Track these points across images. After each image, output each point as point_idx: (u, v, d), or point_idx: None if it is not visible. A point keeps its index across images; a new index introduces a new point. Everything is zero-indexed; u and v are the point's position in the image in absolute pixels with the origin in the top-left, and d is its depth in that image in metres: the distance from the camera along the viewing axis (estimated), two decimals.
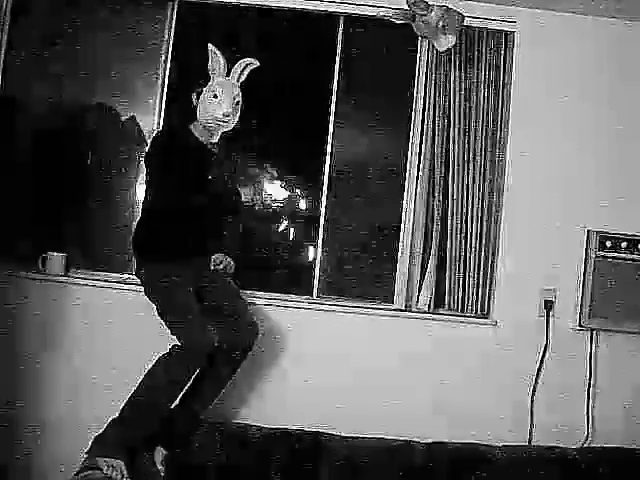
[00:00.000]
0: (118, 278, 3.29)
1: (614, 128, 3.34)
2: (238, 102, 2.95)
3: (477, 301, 3.29)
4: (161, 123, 3.36)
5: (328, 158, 3.41)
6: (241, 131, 3.05)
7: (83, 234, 3.42)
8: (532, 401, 3.26)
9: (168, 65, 3.38)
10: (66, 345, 3.20)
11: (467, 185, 3.29)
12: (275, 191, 3.53)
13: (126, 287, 3.22)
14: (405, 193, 3.38)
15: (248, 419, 3.16)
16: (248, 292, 3.24)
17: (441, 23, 3.03)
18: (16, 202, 3.32)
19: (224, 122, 2.91)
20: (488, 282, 3.30)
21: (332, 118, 3.41)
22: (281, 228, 3.58)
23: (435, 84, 3.29)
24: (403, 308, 3.32)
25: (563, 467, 2.94)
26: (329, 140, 3.41)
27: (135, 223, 3.06)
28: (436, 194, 3.30)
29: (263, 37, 3.47)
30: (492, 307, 3.32)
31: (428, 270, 3.28)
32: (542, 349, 3.27)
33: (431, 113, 3.30)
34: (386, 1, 3.23)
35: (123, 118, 3.46)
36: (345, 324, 3.30)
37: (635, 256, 3.25)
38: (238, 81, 2.97)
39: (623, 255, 3.25)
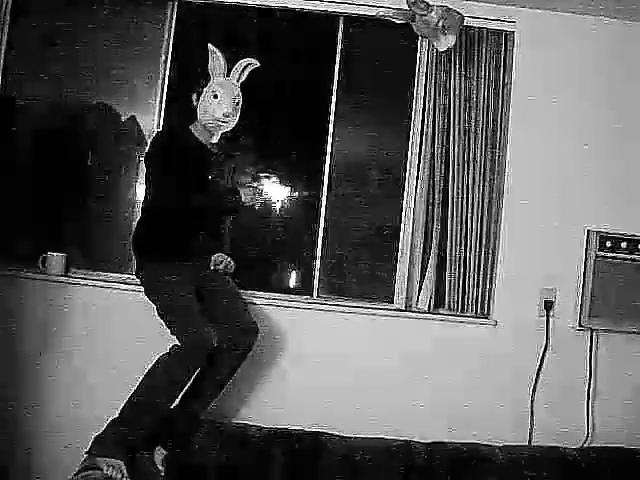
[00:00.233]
0: (118, 278, 3.29)
1: (614, 128, 3.34)
2: (238, 102, 2.96)
3: (477, 301, 3.29)
4: (161, 123, 3.36)
5: (328, 158, 3.41)
6: (241, 131, 3.05)
7: (83, 234, 3.42)
8: (532, 401, 3.26)
9: (168, 65, 3.38)
10: (66, 345, 3.20)
11: (467, 185, 3.29)
12: (275, 191, 3.53)
13: (126, 287, 3.22)
14: (405, 193, 3.38)
15: (248, 419, 3.16)
16: (248, 292, 3.24)
17: (441, 23, 3.03)
18: (16, 202, 3.32)
19: (224, 122, 2.91)
20: (488, 282, 3.30)
21: (332, 118, 3.41)
22: (280, 228, 3.57)
23: (435, 84, 3.29)
24: (403, 308, 3.32)
25: (563, 467, 2.94)
26: (329, 140, 3.41)
27: (135, 223, 3.06)
28: (436, 194, 3.30)
29: (263, 37, 3.48)
30: (492, 307, 3.32)
31: (428, 270, 3.29)
32: (542, 349, 3.27)
33: (431, 113, 3.30)
34: (386, 1, 3.23)
35: (123, 118, 3.47)
36: (345, 324, 3.30)
37: (635, 256, 3.25)
38: (238, 81, 2.97)
39: (623, 255, 3.25)
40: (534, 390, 3.27)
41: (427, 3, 3.01)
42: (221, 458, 2.83)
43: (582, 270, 3.27)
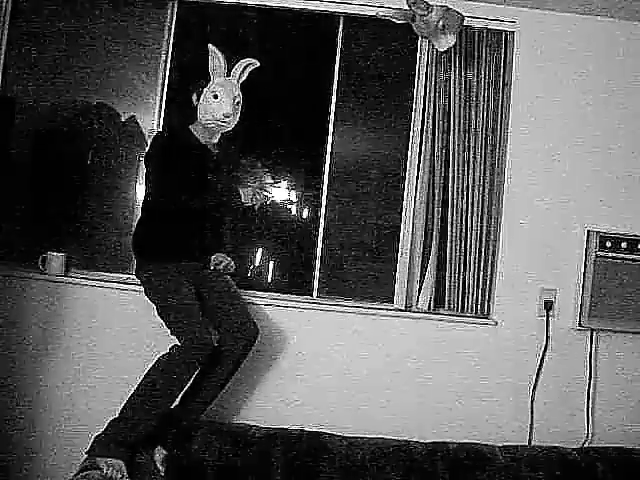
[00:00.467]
0: (118, 278, 3.29)
1: (614, 128, 3.34)
2: (238, 102, 2.96)
3: (477, 301, 3.29)
4: (161, 123, 3.36)
5: (328, 158, 3.42)
6: (241, 131, 3.05)
7: (83, 234, 3.42)
8: (532, 401, 3.26)
9: (168, 65, 3.38)
10: (66, 345, 3.20)
11: (467, 185, 3.29)
12: (275, 191, 3.52)
13: (126, 287, 3.22)
14: (405, 193, 3.37)
15: (248, 419, 3.16)
16: (248, 292, 3.24)
17: (441, 23, 3.03)
18: (16, 202, 3.32)
19: (224, 122, 2.92)
20: (488, 282, 3.30)
21: (332, 118, 3.42)
22: (281, 228, 3.57)
23: (435, 84, 3.29)
24: (403, 308, 3.32)
25: (563, 467, 2.94)
26: (329, 140, 3.41)
27: (135, 223, 3.06)
28: (436, 194, 3.30)
29: (263, 37, 3.48)
30: (492, 307, 3.32)
31: (428, 270, 3.28)
32: (542, 349, 3.28)
33: (431, 113, 3.30)
34: (386, 1, 3.23)
35: (123, 118, 3.47)
36: (345, 324, 3.30)
37: (635, 256, 3.25)
38: (238, 81, 2.97)
39: (623, 255, 3.25)
40: (534, 390, 3.27)
41: (427, 3, 3.01)
42: (221, 458, 2.83)
43: (582, 270, 3.27)
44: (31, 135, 3.41)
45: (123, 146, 3.47)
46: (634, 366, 3.29)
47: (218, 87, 2.90)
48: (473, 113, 3.30)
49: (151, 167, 2.91)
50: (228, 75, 2.95)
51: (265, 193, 3.05)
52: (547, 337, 3.28)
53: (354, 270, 3.51)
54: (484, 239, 3.29)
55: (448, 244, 3.29)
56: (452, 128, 3.29)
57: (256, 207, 3.00)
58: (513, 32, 3.35)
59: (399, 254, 3.37)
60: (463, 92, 3.30)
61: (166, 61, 3.38)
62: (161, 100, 3.38)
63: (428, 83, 3.31)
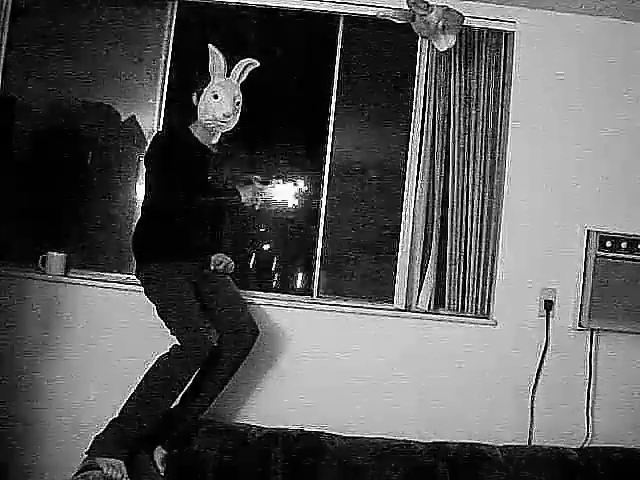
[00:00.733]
0: (118, 278, 3.29)
1: (614, 128, 3.34)
2: (238, 102, 2.96)
3: (477, 301, 3.29)
4: (161, 123, 3.36)
5: (328, 158, 3.42)
6: (241, 131, 3.05)
7: (83, 234, 3.42)
8: (532, 401, 3.26)
9: (168, 65, 3.38)
10: (66, 345, 3.20)
11: (467, 185, 3.29)
12: (275, 191, 3.53)
13: (126, 287, 3.22)
14: (405, 193, 3.37)
15: (248, 419, 3.16)
16: (248, 292, 3.24)
17: (441, 23, 3.03)
18: (16, 202, 3.32)
19: (224, 122, 2.91)
20: (488, 282, 3.30)
21: (332, 118, 3.41)
22: (281, 228, 3.58)
23: (435, 84, 3.29)
24: (403, 308, 3.32)
25: (563, 467, 2.94)
26: (329, 140, 3.41)
27: (135, 223, 3.06)
28: (436, 194, 3.30)
29: (263, 37, 3.48)
30: (492, 307, 3.32)
31: (428, 270, 3.28)
32: (542, 349, 3.27)
33: (431, 113, 3.30)
34: (386, 1, 3.23)
35: (123, 118, 3.47)
36: (345, 324, 3.30)
37: (635, 256, 3.25)
38: (238, 81, 2.97)
39: (623, 255, 3.25)
40: (534, 390, 3.27)
41: (427, 3, 3.01)
42: (221, 458, 2.83)
43: (582, 270, 3.27)
44: (31, 135, 3.41)
45: (123, 146, 3.47)
46: (634, 366, 3.29)
47: (218, 87, 2.90)
48: (473, 113, 3.30)
49: (151, 167, 2.91)
50: (228, 75, 2.95)
51: (265, 193, 3.05)
52: (547, 337, 3.28)
53: (354, 270, 3.51)
54: (484, 239, 3.29)
55: (448, 244, 3.29)
56: (452, 128, 3.29)
57: (256, 207, 3.00)
58: (513, 32, 3.35)
59: (399, 254, 3.36)
60: (463, 92, 3.30)
61: (166, 61, 3.38)
62: (161, 100, 3.38)
63: (428, 83, 3.31)
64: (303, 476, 2.85)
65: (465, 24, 3.15)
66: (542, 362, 3.28)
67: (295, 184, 3.57)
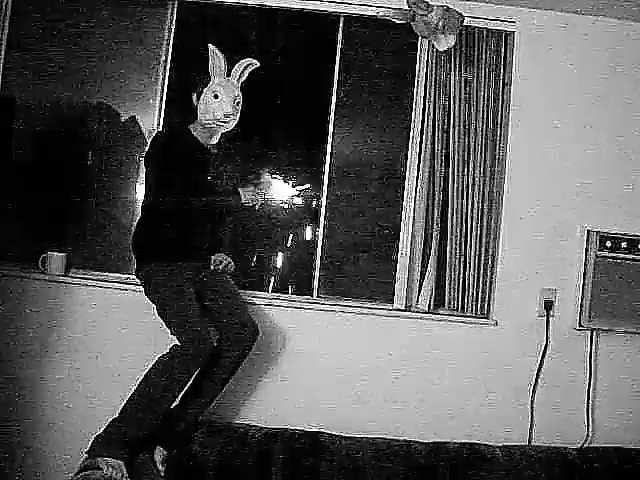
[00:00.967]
0: (118, 278, 3.29)
1: (614, 128, 3.34)
2: (238, 102, 2.96)
3: (477, 301, 3.29)
4: (161, 123, 3.36)
5: (328, 158, 3.41)
6: (241, 131, 3.05)
7: (83, 234, 3.42)
8: (532, 401, 3.26)
9: (168, 65, 3.38)
10: (66, 345, 3.20)
11: (467, 185, 3.29)
12: (275, 191, 3.53)
13: (126, 287, 3.22)
14: (405, 193, 3.37)
15: (248, 419, 3.16)
16: (248, 292, 3.24)
17: (441, 23, 3.02)
18: (16, 202, 3.32)
19: (224, 122, 2.92)
20: (488, 282, 3.30)
21: (332, 118, 3.41)
22: (281, 228, 3.58)
23: (435, 84, 3.29)
24: (403, 308, 3.32)
25: (563, 467, 2.94)
26: (329, 140, 3.41)
27: (135, 223, 3.06)
28: (436, 194, 3.30)
29: (263, 37, 3.48)
30: (492, 307, 3.32)
31: (428, 270, 3.29)
32: (542, 349, 3.27)
33: (431, 113, 3.30)
34: (386, 1, 3.23)
35: (123, 118, 3.47)
36: (345, 324, 3.30)
37: (635, 256, 3.25)
38: (238, 81, 2.97)
39: (623, 255, 3.25)
40: (534, 390, 3.27)
41: (427, 3, 3.01)
42: (221, 458, 2.83)
43: (582, 270, 3.27)
44: (31, 135, 3.41)
45: (123, 146, 3.47)
46: (634, 366, 3.29)
47: (218, 87, 2.90)
48: (473, 113, 3.30)
49: (151, 167, 2.91)
50: (228, 75, 2.95)
51: (265, 193, 3.05)
52: (547, 337, 3.28)
53: (354, 270, 3.51)
54: (484, 239, 3.29)
55: (448, 244, 3.29)
56: (452, 128, 3.29)
57: (256, 207, 3.00)
58: (513, 32, 3.35)
59: (399, 254, 3.37)
60: (463, 92, 3.30)
61: (166, 61, 3.38)
62: (161, 100, 3.38)
63: (428, 83, 3.31)
64: (303, 476, 2.85)
65: (465, 24, 3.15)
66: (542, 362, 3.28)
67: (295, 184, 3.56)
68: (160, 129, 3.33)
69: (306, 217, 3.54)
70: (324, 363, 3.25)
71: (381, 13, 3.09)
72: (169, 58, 3.38)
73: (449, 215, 3.29)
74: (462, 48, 3.29)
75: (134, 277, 2.99)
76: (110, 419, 2.74)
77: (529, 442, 3.22)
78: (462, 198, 3.29)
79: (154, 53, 3.40)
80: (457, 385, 3.26)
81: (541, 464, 2.94)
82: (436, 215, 3.29)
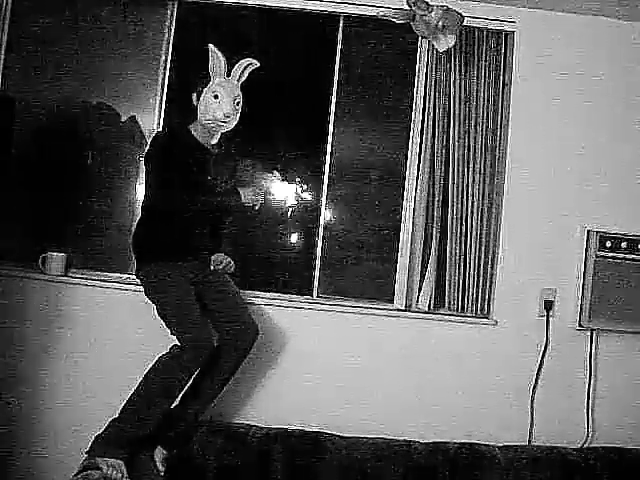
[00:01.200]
0: (118, 278, 3.29)
1: (614, 128, 3.34)
2: (238, 102, 2.96)
3: (477, 301, 3.29)
4: (161, 123, 3.36)
5: (328, 158, 3.41)
6: (241, 131, 3.05)
7: (83, 234, 3.42)
8: (532, 401, 3.26)
9: (168, 65, 3.38)
10: (66, 345, 3.20)
11: (467, 185, 3.29)
12: (275, 191, 3.53)
13: (126, 287, 3.22)
14: (405, 193, 3.37)
15: (248, 419, 3.16)
16: (248, 292, 3.24)
17: (441, 23, 3.03)
18: (16, 202, 3.32)
19: (224, 122, 2.92)
20: (488, 282, 3.30)
21: (332, 118, 3.41)
22: (281, 228, 3.58)
23: (435, 84, 3.29)
24: (403, 308, 3.32)
25: (563, 467, 2.94)
26: (329, 140, 3.41)
27: (135, 223, 3.06)
28: (436, 194, 3.30)
29: (263, 37, 3.48)
30: (492, 307, 3.32)
31: (428, 270, 3.28)
32: (542, 349, 3.27)
33: (431, 113, 3.30)
34: (386, 1, 3.23)
35: (123, 118, 3.47)
36: (345, 324, 3.30)
37: (635, 256, 3.25)
38: (238, 81, 2.97)
39: (623, 255, 3.24)
40: (534, 390, 3.27)
41: (427, 3, 3.01)
42: (221, 458, 2.83)
43: (582, 270, 3.27)
44: (31, 135, 3.41)
45: (123, 146, 3.47)
46: (634, 366, 3.29)
47: (218, 87, 2.90)
48: (473, 113, 3.30)
49: (151, 167, 2.91)
50: (228, 75, 2.95)
51: (265, 193, 3.05)
52: (547, 337, 3.28)
53: (354, 270, 3.51)
54: (484, 239, 3.29)
55: (448, 244, 3.29)
56: (452, 128, 3.29)
57: (256, 207, 3.00)
58: (513, 32, 3.35)
59: (399, 254, 3.37)
60: (463, 92, 3.30)
61: (166, 61, 3.38)
62: (161, 100, 3.38)
63: (428, 83, 3.31)
64: (303, 476, 2.85)
65: (465, 24, 3.15)
66: (542, 362, 3.28)
67: (295, 184, 3.56)
68: (160, 129, 3.33)
69: (306, 217, 3.54)
70: (324, 363, 3.25)
71: (381, 13, 3.09)
72: (169, 58, 3.38)
73: (449, 215, 3.29)
74: (462, 48, 3.28)
75: (134, 277, 3.00)
76: (110, 419, 2.74)
77: (529, 442, 3.22)
78: (462, 198, 3.29)
79: (154, 53, 3.40)
80: (457, 385, 3.26)
81: (541, 464, 2.94)
82: (436, 215, 3.29)
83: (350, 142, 3.48)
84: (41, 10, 3.37)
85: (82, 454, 2.74)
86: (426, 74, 3.32)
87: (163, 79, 3.38)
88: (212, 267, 2.99)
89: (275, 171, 3.52)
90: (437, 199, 3.30)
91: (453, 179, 3.29)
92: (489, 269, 3.30)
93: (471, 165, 3.29)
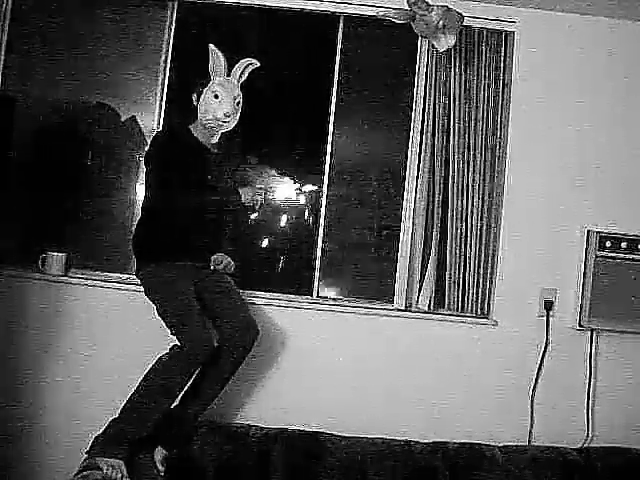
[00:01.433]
0: (118, 278, 3.29)
1: (614, 128, 3.34)
2: (239, 102, 2.96)
3: (477, 301, 3.28)
4: (161, 123, 3.36)
5: (328, 158, 3.41)
6: (241, 131, 3.05)
7: (83, 234, 3.42)
8: (532, 401, 3.26)
9: (168, 65, 3.38)
10: (66, 345, 3.20)
11: (467, 185, 3.29)
12: (275, 191, 3.53)
13: (126, 287, 3.22)
14: (405, 193, 3.37)
15: (248, 419, 3.16)
16: (248, 292, 3.24)
17: (441, 23, 3.02)
18: (16, 202, 3.32)
19: (225, 122, 2.92)
20: (488, 282, 3.30)
21: (332, 118, 3.41)
22: (281, 228, 3.58)
23: (435, 84, 3.29)
24: (403, 308, 3.32)
25: (563, 467, 2.94)
26: (329, 140, 3.41)
27: (135, 223, 3.06)
28: (436, 194, 3.30)
29: (263, 37, 3.48)
30: (492, 307, 3.32)
31: (428, 270, 3.28)
32: (542, 349, 3.28)
33: (431, 113, 3.30)
34: (386, 1, 3.23)
35: (123, 118, 3.47)
36: (345, 324, 3.30)
37: (635, 256, 3.25)
38: (239, 81, 2.97)
39: (623, 255, 3.25)
40: (534, 390, 3.27)
41: (427, 3, 3.01)
42: (221, 458, 2.83)
43: (582, 270, 3.27)
44: (31, 135, 3.41)
45: (123, 146, 3.47)
46: (634, 366, 3.29)
47: (218, 87, 2.90)
48: (473, 113, 3.30)
49: (151, 167, 2.91)
50: (228, 75, 2.95)
51: (265, 193, 3.05)
52: (547, 337, 3.28)
53: (354, 270, 3.51)
54: (484, 239, 3.29)
55: (448, 244, 3.29)
56: (452, 128, 3.29)
57: (256, 207, 3.00)
58: (513, 32, 3.35)
59: (399, 254, 3.37)
60: (463, 92, 3.30)
61: (166, 61, 3.38)
62: (161, 100, 3.38)
63: (428, 83, 3.31)
64: (303, 476, 2.85)
65: (465, 24, 3.15)
66: (542, 362, 3.28)
67: (295, 184, 3.56)
68: (160, 129, 3.33)
69: (306, 217, 3.54)
70: (324, 363, 3.25)
71: (381, 13, 3.09)
72: (169, 58, 3.38)
73: (449, 215, 3.29)
74: (462, 48, 3.28)
75: (134, 277, 3.00)
76: (110, 419, 2.74)
77: (529, 442, 3.22)
78: (462, 198, 3.29)
79: (154, 53, 3.40)
80: (457, 385, 3.26)
81: (541, 464, 2.94)
82: (436, 215, 3.29)
83: (350, 142, 3.48)
84: (41, 10, 3.37)
85: (82, 454, 2.74)
86: (426, 74, 3.32)
87: (163, 79, 3.38)
88: (212, 267, 2.98)
89: (275, 171, 3.52)
90: (437, 199, 3.30)
91: (453, 179, 3.29)
92: (489, 269, 3.30)
93: (471, 165, 3.29)
